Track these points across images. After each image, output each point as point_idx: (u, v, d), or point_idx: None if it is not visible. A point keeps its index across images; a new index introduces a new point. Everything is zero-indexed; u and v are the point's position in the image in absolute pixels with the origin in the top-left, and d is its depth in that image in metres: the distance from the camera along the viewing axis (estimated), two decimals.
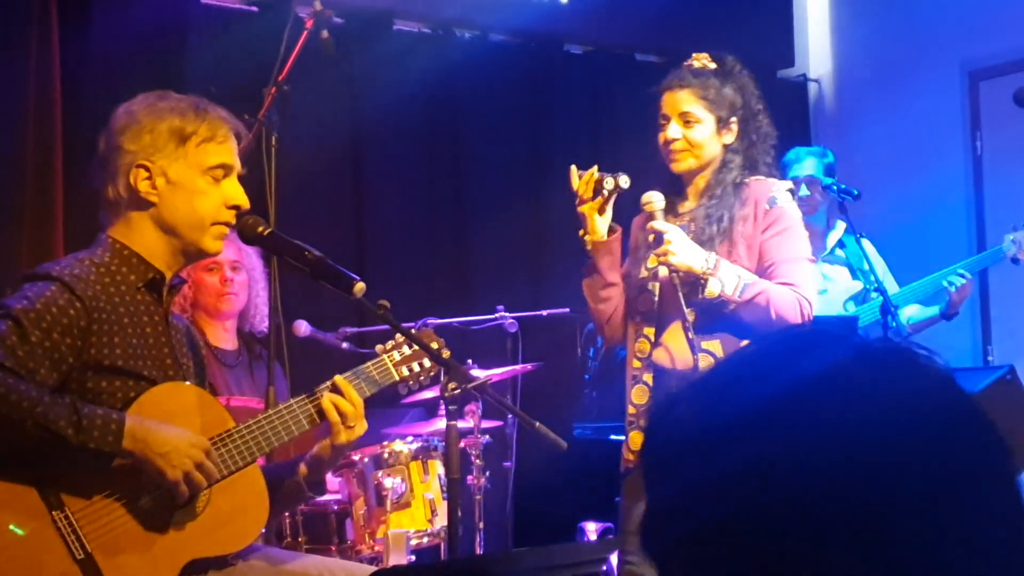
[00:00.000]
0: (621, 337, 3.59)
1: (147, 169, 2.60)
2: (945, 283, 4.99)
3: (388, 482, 4.12)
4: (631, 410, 3.48)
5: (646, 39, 6.32)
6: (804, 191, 5.09)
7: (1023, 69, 5.94)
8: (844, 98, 6.83)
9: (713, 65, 3.53)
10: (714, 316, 3.38)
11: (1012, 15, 6.02)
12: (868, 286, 5.12)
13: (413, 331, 2.87)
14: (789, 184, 3.59)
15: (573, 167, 3.49)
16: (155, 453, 2.45)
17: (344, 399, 2.69)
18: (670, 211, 3.51)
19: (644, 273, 3.50)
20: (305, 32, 3.59)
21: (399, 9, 5.58)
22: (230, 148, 2.67)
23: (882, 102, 6.56)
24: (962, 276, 4.98)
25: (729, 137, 3.49)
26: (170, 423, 2.51)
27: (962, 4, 6.21)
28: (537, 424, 2.81)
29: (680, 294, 3.34)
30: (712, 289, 3.31)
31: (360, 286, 2.60)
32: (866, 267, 5.03)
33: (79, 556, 2.44)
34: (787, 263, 3.39)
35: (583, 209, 3.45)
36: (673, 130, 3.46)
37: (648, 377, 3.45)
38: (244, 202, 2.67)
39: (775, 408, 0.85)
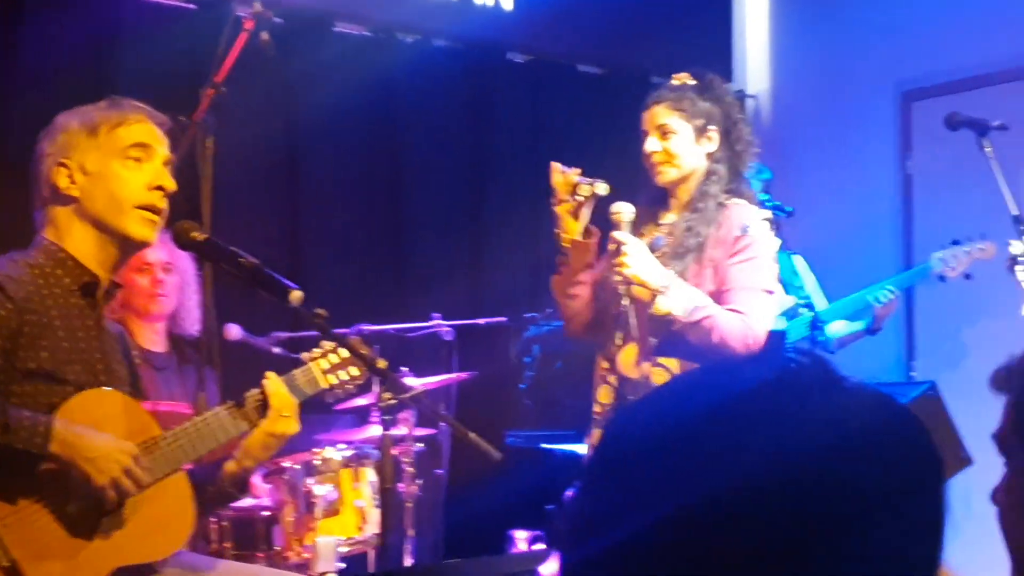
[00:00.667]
0: (584, 335, 3.65)
1: (65, 166, 2.60)
2: (871, 299, 5.08)
3: (318, 489, 4.10)
4: (597, 408, 3.58)
5: (588, 50, 6.35)
6: None
7: (955, 91, 6.04)
8: (781, 115, 6.90)
9: (693, 82, 3.62)
10: (673, 334, 3.42)
11: (946, 37, 6.12)
12: (798, 302, 5.19)
13: (351, 340, 2.84)
14: (768, 214, 3.65)
15: (555, 164, 3.53)
16: (83, 458, 2.42)
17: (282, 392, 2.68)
18: (651, 221, 3.59)
19: (617, 279, 3.53)
20: (244, 33, 3.56)
21: (340, 11, 5.54)
22: (144, 129, 2.64)
23: (818, 120, 6.64)
24: (890, 292, 5.07)
25: (710, 146, 3.55)
26: (97, 428, 2.49)
27: (898, 25, 6.31)
28: (471, 434, 2.81)
29: (632, 307, 3.42)
30: (659, 306, 3.37)
31: (297, 294, 2.58)
32: (796, 283, 5.10)
33: (3, 563, 2.40)
34: (744, 291, 3.43)
35: (557, 209, 3.51)
36: (651, 143, 3.55)
37: (613, 379, 3.54)
38: (168, 183, 2.64)
39: (706, 424, 0.86)
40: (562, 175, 3.50)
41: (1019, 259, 3.87)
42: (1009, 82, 5.91)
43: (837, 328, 5.19)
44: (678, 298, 3.38)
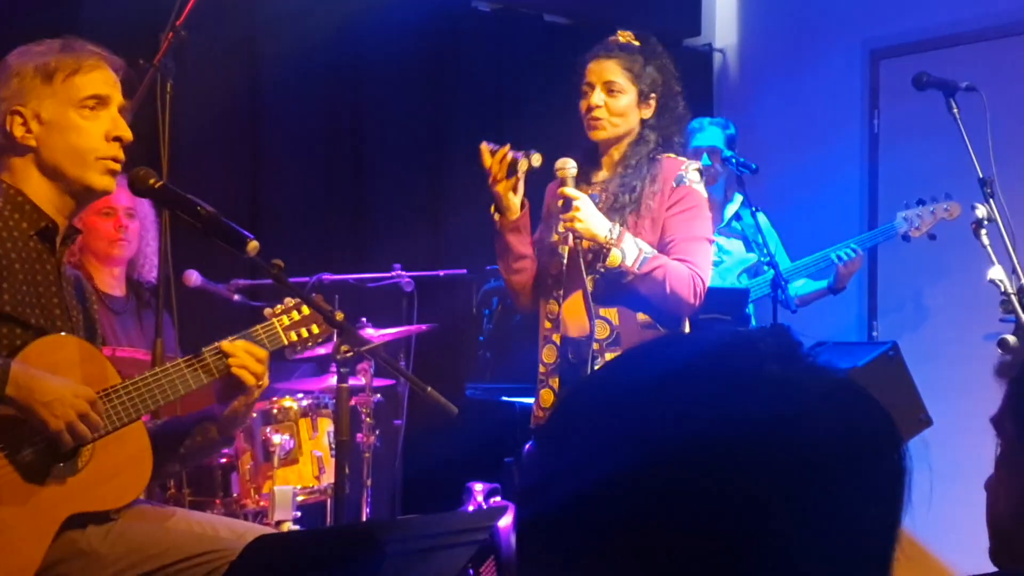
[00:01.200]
0: (534, 306, 3.70)
1: (20, 114, 2.55)
2: (835, 257, 5.10)
3: (276, 438, 4.10)
4: (541, 369, 3.62)
5: (556, 1, 6.30)
6: (706, 160, 5.15)
7: (923, 50, 6.04)
8: (748, 70, 6.88)
9: (637, 43, 3.65)
10: (614, 285, 3.50)
11: None
12: (761, 259, 5.20)
13: (310, 295, 2.81)
14: (699, 164, 3.70)
15: (484, 145, 3.55)
16: (38, 402, 2.39)
17: (251, 357, 2.65)
18: (583, 180, 3.63)
19: (555, 238, 3.60)
20: None
21: None
22: (100, 78, 2.59)
23: (785, 76, 6.63)
24: (853, 251, 5.09)
25: (647, 112, 3.61)
26: (56, 374, 2.46)
27: None
28: (428, 389, 2.80)
29: (582, 260, 3.46)
30: (614, 259, 3.43)
31: (253, 244, 2.56)
32: (760, 240, 5.10)
33: None
34: (687, 241, 3.52)
35: (499, 189, 3.53)
36: (597, 97, 3.57)
37: (556, 337, 3.59)
38: (126, 133, 2.60)
39: (659, 386, 0.86)
40: (494, 154, 3.51)
41: (984, 222, 3.88)
42: (977, 42, 5.92)
43: (799, 285, 5.21)
44: (629, 250, 3.45)
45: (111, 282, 4.29)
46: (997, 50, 5.85)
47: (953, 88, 4.06)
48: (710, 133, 5.23)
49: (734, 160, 4.87)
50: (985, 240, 3.86)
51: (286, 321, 2.79)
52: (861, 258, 5.13)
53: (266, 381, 2.71)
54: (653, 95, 3.60)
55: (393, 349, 4.54)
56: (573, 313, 3.57)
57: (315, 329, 2.81)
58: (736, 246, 5.26)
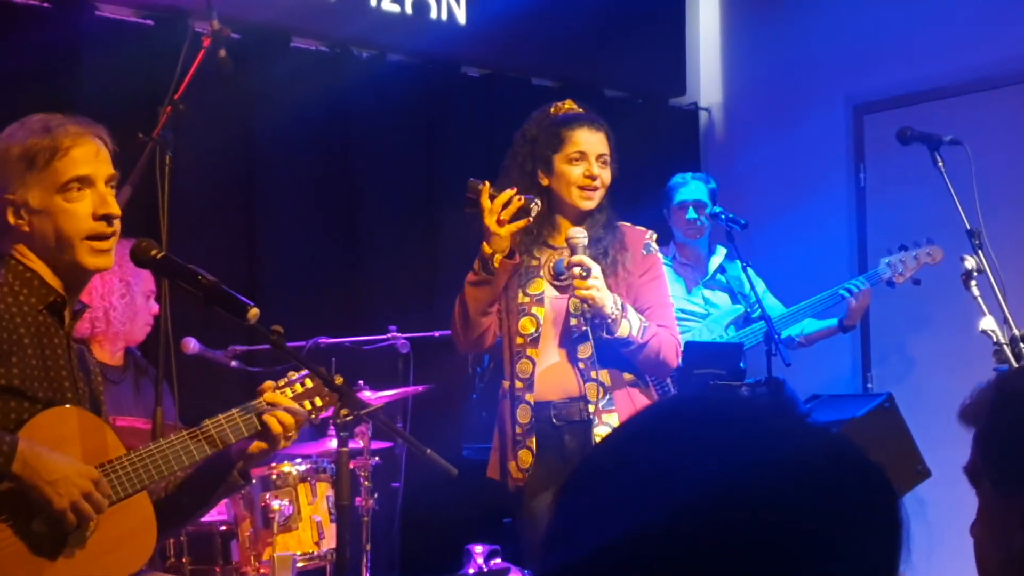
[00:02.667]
0: (484, 348, 3.75)
1: (12, 204, 2.58)
2: (843, 292, 5.11)
3: (275, 504, 4.10)
4: (517, 429, 3.62)
5: (543, 64, 6.38)
6: (692, 214, 5.22)
7: (905, 104, 6.12)
8: (733, 127, 6.96)
9: (581, 110, 3.77)
10: (611, 351, 3.57)
11: (896, 52, 6.20)
12: (748, 310, 5.23)
13: (314, 365, 2.83)
14: (656, 234, 3.80)
15: (487, 183, 3.57)
16: (44, 480, 2.42)
17: (283, 412, 2.71)
18: (544, 244, 3.68)
19: (523, 298, 3.64)
20: (202, 51, 3.55)
21: (297, 27, 5.54)
22: (81, 156, 2.59)
23: (770, 132, 6.70)
24: (861, 284, 5.10)
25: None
26: (60, 448, 2.48)
27: (849, 40, 6.38)
28: (428, 451, 2.83)
29: (589, 328, 3.53)
30: (624, 329, 3.51)
31: (254, 312, 2.59)
32: (747, 291, 5.15)
33: None
34: (662, 307, 3.68)
35: (505, 230, 3.51)
36: (596, 168, 3.65)
37: (531, 397, 3.61)
38: (112, 209, 2.61)
39: (661, 446, 0.90)
40: (492, 195, 3.52)
41: (974, 273, 3.92)
42: (960, 95, 6.00)
43: (803, 325, 5.22)
44: (633, 320, 3.54)
45: (109, 352, 4.31)
46: (980, 103, 5.94)
47: (937, 142, 4.12)
48: (694, 187, 5.30)
49: (723, 216, 4.91)
50: (975, 291, 3.90)
51: (289, 393, 2.80)
52: (870, 292, 5.14)
53: (295, 436, 2.76)
54: (614, 163, 3.72)
55: (390, 411, 4.55)
56: (553, 375, 3.60)
57: (318, 402, 2.82)
58: (722, 298, 5.31)
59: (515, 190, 3.53)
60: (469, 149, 6.04)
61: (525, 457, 3.60)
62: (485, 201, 3.51)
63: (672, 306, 3.77)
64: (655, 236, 3.78)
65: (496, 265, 3.54)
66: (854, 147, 6.44)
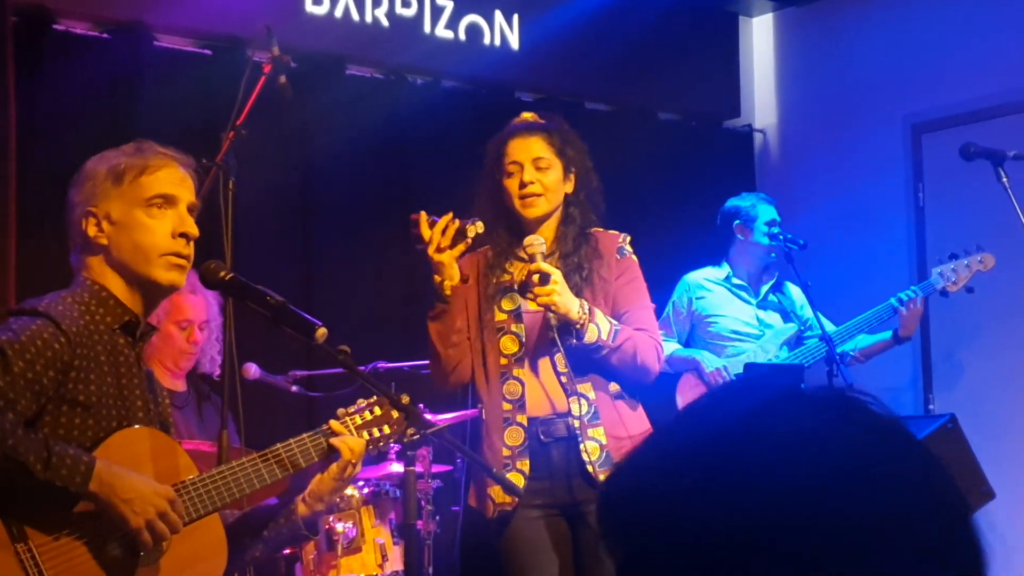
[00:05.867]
0: (466, 380, 3.64)
1: (94, 216, 2.62)
2: (894, 301, 5.06)
3: (339, 527, 4.12)
4: (505, 452, 3.51)
5: (596, 88, 6.40)
6: (777, 229, 5.13)
7: (964, 123, 6.07)
8: (788, 148, 6.93)
9: (542, 121, 3.70)
10: (584, 360, 3.50)
11: (954, 70, 6.16)
12: (801, 328, 5.20)
13: (384, 388, 2.85)
14: (630, 237, 3.73)
15: (423, 213, 3.53)
16: (119, 499, 2.45)
17: (351, 438, 2.74)
18: (514, 257, 3.63)
19: (500, 316, 3.59)
20: (263, 77, 3.60)
21: (352, 54, 5.60)
22: (167, 177, 2.64)
23: (826, 153, 6.67)
24: (913, 293, 5.05)
25: (569, 187, 3.65)
26: (134, 468, 2.51)
27: (906, 59, 6.35)
28: (494, 470, 2.83)
29: (557, 336, 3.47)
30: (592, 334, 3.44)
31: (322, 331, 2.61)
32: (800, 311, 5.12)
33: None
34: (640, 310, 3.61)
35: (443, 257, 3.47)
36: (529, 174, 3.58)
37: (522, 419, 3.52)
38: (192, 230, 2.66)
39: (728, 458, 0.88)
40: (436, 223, 3.47)
41: None
42: (1018, 113, 5.95)
43: (858, 340, 5.17)
44: (602, 324, 3.47)
45: (173, 378, 4.36)
46: None
47: (1001, 157, 4.09)
48: (766, 208, 5.24)
49: (782, 236, 4.89)
50: None
51: (358, 421, 2.82)
52: (922, 301, 5.08)
53: (359, 468, 2.77)
54: (573, 169, 3.64)
55: (451, 434, 4.55)
56: (540, 391, 3.54)
57: (387, 430, 2.84)
58: (774, 319, 5.27)
59: (451, 215, 3.49)
60: None
61: (515, 480, 3.43)
62: (424, 231, 3.48)
63: (650, 308, 3.67)
64: (629, 239, 3.69)
65: (447, 293, 3.51)
66: (912, 166, 6.39)
